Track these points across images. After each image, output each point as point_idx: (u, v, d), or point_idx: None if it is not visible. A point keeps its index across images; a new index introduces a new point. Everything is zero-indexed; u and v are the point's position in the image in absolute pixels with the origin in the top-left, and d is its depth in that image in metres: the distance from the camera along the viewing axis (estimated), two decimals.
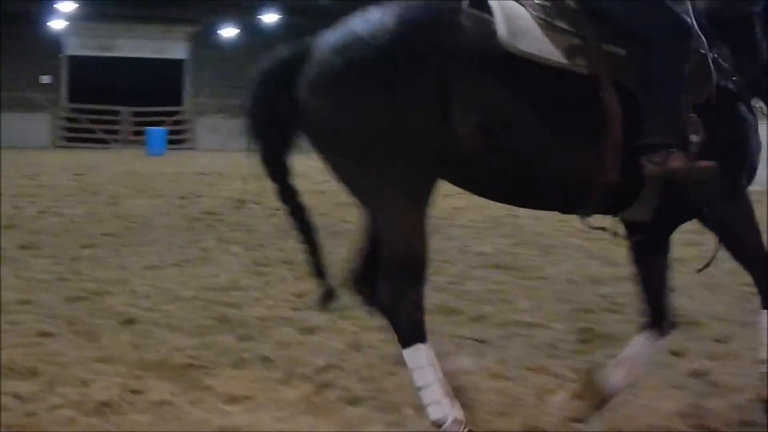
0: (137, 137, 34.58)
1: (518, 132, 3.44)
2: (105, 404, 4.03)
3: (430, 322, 5.62)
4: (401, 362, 4.75)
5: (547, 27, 3.50)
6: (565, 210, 4.01)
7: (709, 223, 3.94)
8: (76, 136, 35.70)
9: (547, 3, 3.57)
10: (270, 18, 32.14)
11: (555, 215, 11.64)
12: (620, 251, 8.71)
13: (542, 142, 3.48)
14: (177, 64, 37.96)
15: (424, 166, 3.40)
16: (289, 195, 3.79)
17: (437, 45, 3.40)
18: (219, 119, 37.56)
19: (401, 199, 3.44)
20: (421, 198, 3.48)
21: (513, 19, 3.45)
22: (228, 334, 5.38)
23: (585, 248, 9.05)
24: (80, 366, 4.64)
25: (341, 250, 8.64)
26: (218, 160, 27.04)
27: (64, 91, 36.72)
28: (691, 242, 9.50)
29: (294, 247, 8.76)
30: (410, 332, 3.53)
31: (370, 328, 5.51)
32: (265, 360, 4.81)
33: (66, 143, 35.30)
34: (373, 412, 4.03)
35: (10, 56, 35.02)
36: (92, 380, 4.39)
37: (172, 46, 37.70)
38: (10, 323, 5.52)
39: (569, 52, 3.48)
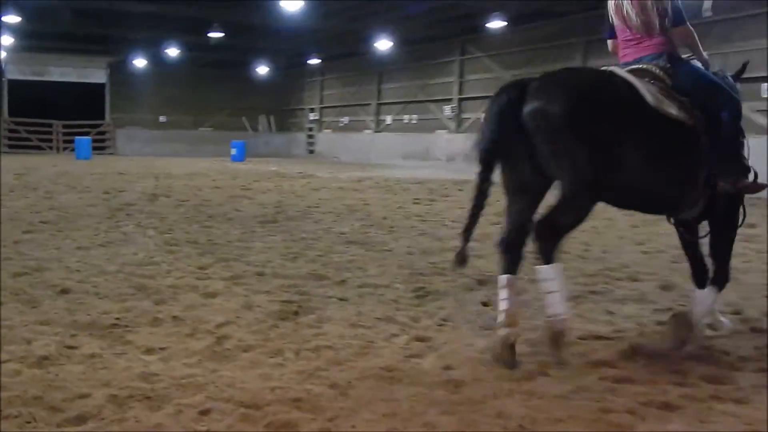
0: (67, 145, 33.69)
1: (653, 165, 3.99)
2: (45, 358, 3.87)
3: (304, 286, 5.67)
4: (284, 318, 4.75)
5: (665, 96, 4.06)
6: (665, 213, 4.56)
7: (713, 219, 4.42)
8: (16, 143, 34.31)
9: (648, 81, 4.15)
10: (172, 52, 31.59)
11: (397, 205, 11.86)
12: (445, 230, 8.98)
13: (669, 172, 4.06)
14: (99, 87, 37.34)
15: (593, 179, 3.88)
16: (487, 183, 4.05)
17: (615, 99, 3.96)
18: (134, 130, 36.90)
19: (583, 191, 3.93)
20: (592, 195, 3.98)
21: (647, 90, 4.02)
22: (145, 299, 5.22)
23: (418, 228, 9.21)
24: (24, 328, 4.42)
25: (233, 231, 8.57)
26: (134, 162, 26.27)
27: (5, 108, 35.18)
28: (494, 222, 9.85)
29: (197, 230, 8.68)
30: (552, 257, 3.90)
31: (258, 292, 5.48)
32: (176, 319, 4.70)
33: (8, 150, 33.70)
34: (262, 357, 3.98)
35: None
36: (34, 339, 4.20)
37: (94, 73, 37.29)
38: None
39: (680, 111, 4.05)
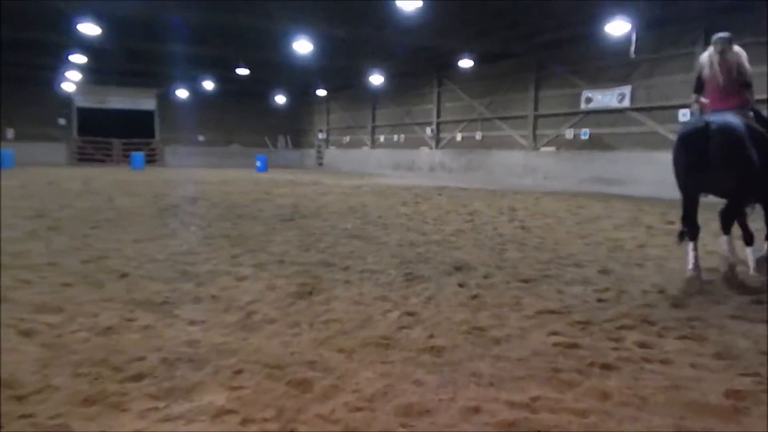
0: (125, 158, 33.60)
1: (764, 171, 4.98)
2: (109, 328, 3.84)
3: (315, 271, 5.63)
4: (300, 297, 4.72)
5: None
6: (750, 201, 5.50)
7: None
8: (84, 157, 34.21)
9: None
10: (208, 84, 31.56)
11: (389, 206, 11.81)
12: (427, 227, 8.94)
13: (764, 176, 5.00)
14: (149, 112, 37.12)
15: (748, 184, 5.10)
16: (698, 189, 5.18)
17: (755, 135, 4.95)
18: (177, 147, 36.86)
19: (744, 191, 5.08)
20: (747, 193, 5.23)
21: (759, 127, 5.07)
22: (188, 282, 5.18)
23: (406, 225, 9.18)
24: (92, 305, 4.39)
25: (258, 228, 8.52)
26: (178, 172, 26.14)
27: (75, 129, 35.02)
28: (467, 220, 9.83)
29: (229, 227, 8.63)
30: (728, 231, 5.30)
31: (279, 276, 5.44)
32: (213, 297, 4.66)
33: (77, 162, 33.61)
34: (282, 328, 3.95)
35: (39, 107, 33.26)
36: (100, 313, 4.16)
37: (145, 101, 37.12)
38: (41, 278, 5.17)
39: None
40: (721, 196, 5.38)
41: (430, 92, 27.28)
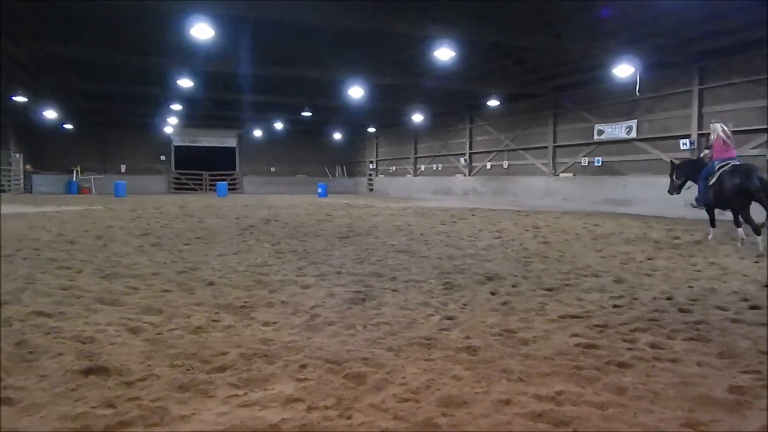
0: (212, 187, 34.41)
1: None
2: (199, 327, 3.89)
3: (368, 281, 5.61)
4: (355, 302, 4.71)
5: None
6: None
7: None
8: (179, 186, 35.20)
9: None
10: (278, 125, 32.14)
11: (430, 225, 11.72)
12: (463, 242, 8.84)
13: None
14: (231, 149, 37.83)
15: None
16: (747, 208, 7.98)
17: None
18: (254, 177, 37.55)
19: None
20: None
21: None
22: (263, 289, 5.23)
23: (444, 241, 9.09)
24: (185, 308, 4.47)
25: (320, 244, 8.56)
26: (254, 199, 26.66)
27: (173, 163, 36.13)
28: (497, 237, 9.62)
29: (296, 243, 8.70)
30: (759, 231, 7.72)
31: (337, 285, 5.44)
32: (283, 303, 4.69)
33: (174, 190, 34.65)
34: (341, 329, 3.94)
35: (145, 146, 34.52)
36: (191, 315, 4.23)
37: (228, 140, 37.74)
38: (146, 285, 5.32)
39: None
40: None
41: (463, 128, 27.19)
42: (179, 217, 13.78)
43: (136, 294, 4.95)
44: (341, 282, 5.59)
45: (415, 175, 32.05)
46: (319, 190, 30.38)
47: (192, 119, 31.66)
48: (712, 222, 8.97)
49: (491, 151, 24.86)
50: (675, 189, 9.40)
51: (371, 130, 35.26)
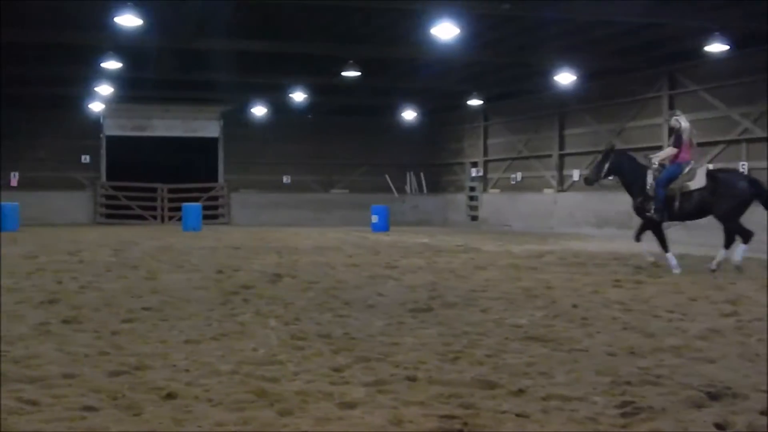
0: (173, 213, 35.34)
1: None
2: None
3: (468, 396, 5.58)
4: None
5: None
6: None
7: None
8: (114, 212, 36.47)
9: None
10: (297, 96, 32.80)
11: (590, 288, 11.68)
12: (657, 323, 8.68)
13: None
14: (210, 141, 38.72)
15: None
16: None
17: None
18: (251, 194, 38.29)
19: None
20: None
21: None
22: (267, 408, 5.29)
23: (621, 320, 8.94)
24: None
25: (375, 322, 8.59)
26: (251, 234, 27.29)
27: (103, 170, 37.55)
28: (727, 312, 9.44)
29: (329, 320, 8.81)
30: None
31: (409, 403, 5.42)
32: None
33: (105, 219, 36.02)
34: None
35: (52, 138, 36.11)
36: None
37: (205, 125, 38.67)
38: (53, 397, 5.51)
39: None
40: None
41: (654, 98, 26.83)
42: (114, 270, 14.24)
43: (33, 414, 5.10)
44: (416, 397, 5.56)
45: (560, 190, 31.83)
46: (374, 219, 30.66)
47: (139, 88, 32.97)
48: (666, 243, 14.68)
49: (718, 142, 24.35)
50: (595, 178, 15.32)
51: (474, 103, 35.39)
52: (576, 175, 30.98)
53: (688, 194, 13.83)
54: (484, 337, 7.84)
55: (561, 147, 31.92)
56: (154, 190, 37.07)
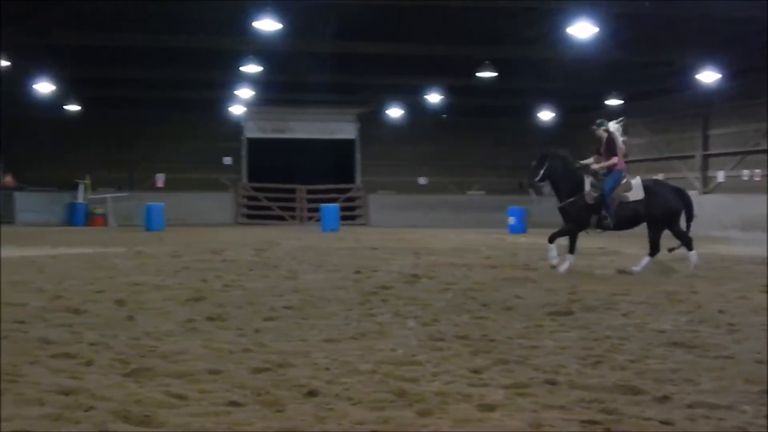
0: (312, 213, 35.91)
1: None
2: None
3: (610, 401, 5.49)
4: None
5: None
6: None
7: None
8: (255, 213, 37.30)
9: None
10: (434, 98, 32.89)
11: (737, 293, 11.28)
12: None
13: None
14: (347, 145, 39.16)
15: None
16: None
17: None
18: (387, 195, 38.53)
19: None
20: None
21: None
22: (406, 408, 5.33)
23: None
24: None
25: (514, 325, 8.56)
26: (389, 235, 27.48)
27: (244, 171, 38.51)
28: None
29: (467, 322, 8.81)
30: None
31: (548, 407, 5.37)
32: None
33: (247, 220, 36.89)
34: None
35: (196, 140, 37.32)
36: None
37: (342, 128, 39.10)
38: (200, 392, 5.69)
39: None
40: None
41: None
42: (256, 269, 14.61)
43: (181, 408, 5.31)
44: (556, 401, 5.52)
45: (704, 192, 30.92)
46: (511, 220, 30.49)
47: (278, 91, 33.70)
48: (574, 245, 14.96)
49: None
50: (530, 184, 15.51)
51: (612, 103, 34.72)
52: (721, 176, 30.05)
53: (625, 204, 14.32)
54: (626, 342, 7.71)
55: (705, 147, 31.05)
56: (293, 191, 37.75)
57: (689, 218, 14.86)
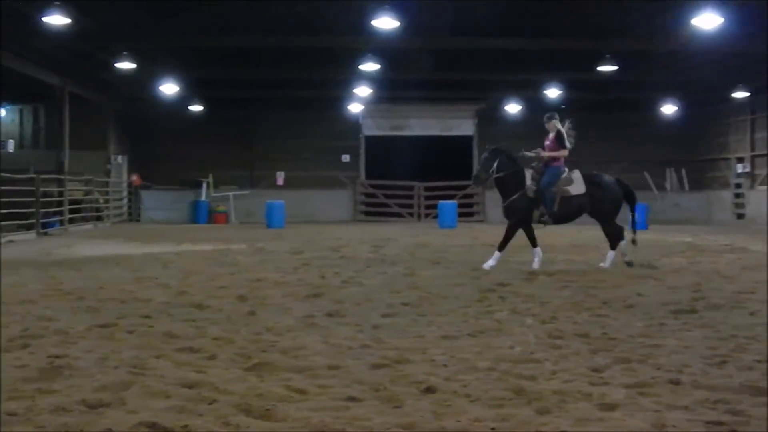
0: (429, 211, 36.01)
1: None
2: None
3: (737, 402, 5.34)
4: None
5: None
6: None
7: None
8: (373, 210, 37.63)
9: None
10: (552, 93, 32.53)
11: None
12: None
13: None
14: (465, 141, 39.11)
15: None
16: None
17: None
18: None
19: None
20: None
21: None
22: (525, 406, 5.32)
23: None
24: None
25: (635, 323, 8.42)
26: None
27: (362, 169, 38.89)
28: None
29: (587, 320, 8.71)
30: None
31: (672, 407, 5.29)
32: None
33: (364, 217, 37.27)
34: None
35: (315, 138, 37.93)
36: None
37: (460, 124, 39.08)
38: (319, 387, 5.81)
39: None
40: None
41: None
42: (373, 266, 14.75)
43: (301, 402, 5.42)
44: (680, 401, 5.43)
45: None
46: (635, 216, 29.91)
47: (396, 89, 33.92)
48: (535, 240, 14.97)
49: None
50: (486, 177, 15.17)
51: (739, 96, 33.66)
52: None
53: (568, 199, 14.39)
54: (753, 342, 7.49)
55: None
56: (410, 188, 37.88)
57: (633, 207, 15.13)
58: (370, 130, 39.16)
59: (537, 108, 36.27)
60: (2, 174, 22.42)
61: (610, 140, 38.58)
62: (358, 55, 25.87)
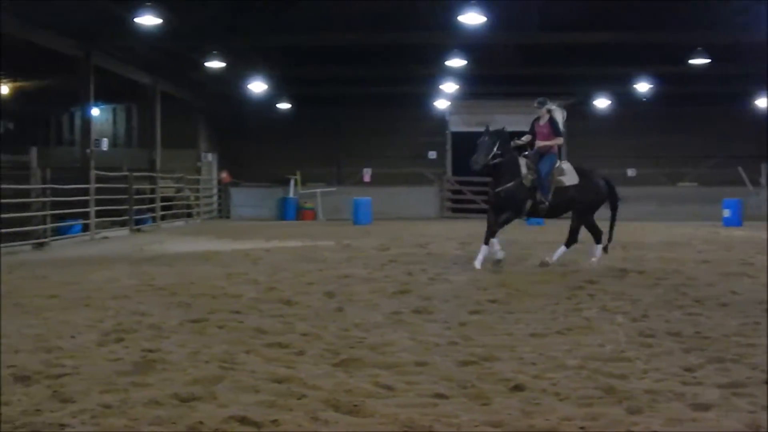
0: None
1: None
2: None
3: None
4: None
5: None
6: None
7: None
8: (460, 207, 37.57)
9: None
10: (642, 87, 32.00)
11: None
12: None
13: None
14: None
15: None
16: None
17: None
18: None
19: None
20: None
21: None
22: (615, 405, 5.27)
23: None
24: (473, 430, 4.75)
25: (729, 322, 8.25)
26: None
27: (448, 165, 38.86)
28: None
29: (679, 318, 8.56)
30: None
31: None
32: None
33: (451, 214, 37.23)
34: None
35: (402, 135, 38.03)
36: None
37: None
38: (407, 383, 5.84)
39: None
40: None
41: None
42: (460, 263, 14.72)
43: (389, 398, 5.47)
44: None
45: None
46: (726, 213, 29.33)
47: (482, 84, 33.81)
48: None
49: None
50: (485, 162, 14.19)
51: None
52: None
53: (562, 189, 13.89)
54: None
55: None
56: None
57: (614, 206, 14.82)
58: (456, 126, 39.09)
59: (627, 102, 35.86)
60: (97, 172, 23.01)
61: (702, 135, 37.74)
62: (445, 51, 25.85)
